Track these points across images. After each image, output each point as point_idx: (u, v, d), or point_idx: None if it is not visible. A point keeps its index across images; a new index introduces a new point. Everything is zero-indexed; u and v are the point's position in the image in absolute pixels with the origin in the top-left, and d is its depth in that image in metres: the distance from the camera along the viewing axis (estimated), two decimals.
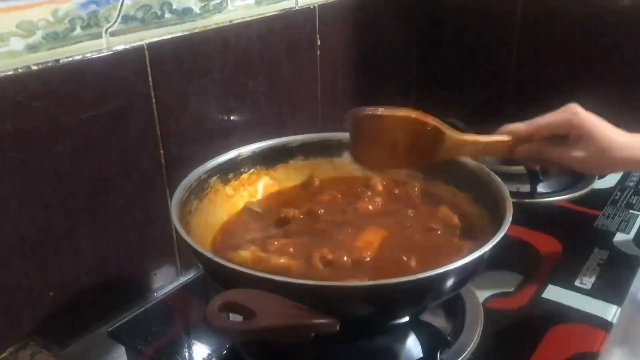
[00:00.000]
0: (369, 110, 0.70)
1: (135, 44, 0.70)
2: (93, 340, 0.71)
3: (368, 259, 0.62)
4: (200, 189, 0.70)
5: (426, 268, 0.53)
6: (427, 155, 0.71)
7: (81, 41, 0.65)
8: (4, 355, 0.63)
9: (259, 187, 0.77)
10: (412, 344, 0.62)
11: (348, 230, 0.66)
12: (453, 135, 0.70)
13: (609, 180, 1.01)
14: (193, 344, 0.67)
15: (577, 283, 0.75)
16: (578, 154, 0.67)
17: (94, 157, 0.69)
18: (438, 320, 0.66)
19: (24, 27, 0.60)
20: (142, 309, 0.72)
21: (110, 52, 0.68)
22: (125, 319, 0.70)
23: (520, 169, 0.97)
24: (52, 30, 0.62)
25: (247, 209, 0.74)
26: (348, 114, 0.90)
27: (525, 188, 0.94)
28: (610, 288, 0.73)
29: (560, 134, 0.69)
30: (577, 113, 0.68)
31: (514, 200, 0.63)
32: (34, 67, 0.61)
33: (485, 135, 0.72)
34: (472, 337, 0.65)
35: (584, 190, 0.96)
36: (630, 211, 0.91)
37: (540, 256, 0.81)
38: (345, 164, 0.80)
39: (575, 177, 0.99)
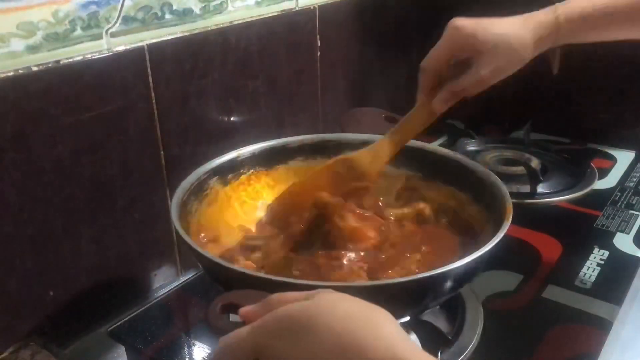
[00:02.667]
0: None
1: (135, 45, 0.70)
2: (93, 340, 0.71)
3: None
4: (200, 190, 0.70)
5: (426, 267, 0.53)
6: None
7: (81, 42, 0.65)
8: (4, 355, 0.63)
9: (258, 187, 0.77)
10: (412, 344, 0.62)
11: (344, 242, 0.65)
12: (361, 155, 0.70)
13: (609, 181, 1.01)
14: (193, 344, 0.67)
15: (577, 283, 0.75)
16: (489, 68, 0.62)
17: (94, 158, 0.69)
18: (438, 320, 0.66)
19: (25, 28, 0.60)
20: (142, 309, 0.72)
21: (111, 53, 0.68)
22: (125, 319, 0.70)
23: (520, 169, 0.97)
24: (52, 31, 0.62)
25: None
26: (345, 115, 0.90)
27: (525, 188, 0.94)
28: (610, 288, 0.73)
29: (460, 59, 0.65)
30: (459, 28, 0.63)
31: (514, 200, 0.63)
32: (35, 68, 0.61)
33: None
34: (472, 337, 0.65)
35: (584, 191, 0.96)
36: (630, 211, 0.91)
37: (540, 256, 0.81)
38: None
39: (575, 177, 1.00)
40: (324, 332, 0.37)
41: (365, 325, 0.37)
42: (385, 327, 0.37)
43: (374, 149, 0.70)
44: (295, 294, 0.41)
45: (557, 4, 0.65)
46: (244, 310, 0.43)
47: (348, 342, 0.36)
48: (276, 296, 0.42)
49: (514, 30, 0.63)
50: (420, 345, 0.61)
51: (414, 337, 0.62)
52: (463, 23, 0.63)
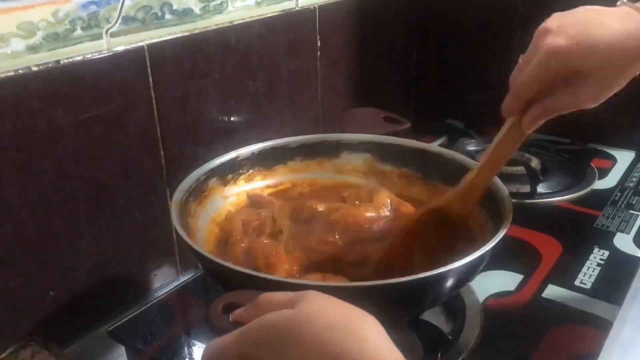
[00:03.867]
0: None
1: (135, 45, 0.70)
2: (93, 340, 0.71)
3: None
4: (199, 191, 0.70)
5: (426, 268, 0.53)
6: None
7: (81, 42, 0.65)
8: (4, 355, 0.63)
9: (257, 188, 0.77)
10: (413, 344, 0.62)
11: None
12: (451, 200, 0.65)
13: (609, 180, 1.01)
14: (193, 344, 0.67)
15: (577, 283, 0.75)
16: (590, 89, 0.54)
17: (94, 158, 0.69)
18: (438, 320, 0.67)
19: (25, 28, 0.60)
20: (142, 309, 0.72)
21: (111, 53, 0.68)
22: (125, 319, 0.70)
23: (520, 169, 0.97)
24: (52, 31, 0.62)
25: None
26: (345, 115, 0.90)
27: (525, 188, 0.95)
28: (610, 288, 0.73)
29: (552, 83, 0.56)
30: (553, 53, 0.54)
31: (514, 200, 0.63)
32: (35, 68, 0.61)
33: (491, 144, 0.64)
34: (472, 337, 0.65)
35: (584, 191, 0.96)
36: (630, 211, 0.91)
37: (540, 256, 0.81)
38: (344, 165, 0.81)
39: (575, 177, 1.00)
40: (307, 343, 0.37)
41: (349, 337, 0.37)
42: (370, 339, 0.37)
43: (463, 189, 0.64)
44: (283, 295, 0.41)
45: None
46: (236, 312, 0.43)
47: (331, 354, 0.36)
48: (265, 297, 0.42)
49: (617, 44, 0.53)
50: (420, 345, 0.61)
51: (413, 337, 0.62)
52: (557, 44, 0.53)
